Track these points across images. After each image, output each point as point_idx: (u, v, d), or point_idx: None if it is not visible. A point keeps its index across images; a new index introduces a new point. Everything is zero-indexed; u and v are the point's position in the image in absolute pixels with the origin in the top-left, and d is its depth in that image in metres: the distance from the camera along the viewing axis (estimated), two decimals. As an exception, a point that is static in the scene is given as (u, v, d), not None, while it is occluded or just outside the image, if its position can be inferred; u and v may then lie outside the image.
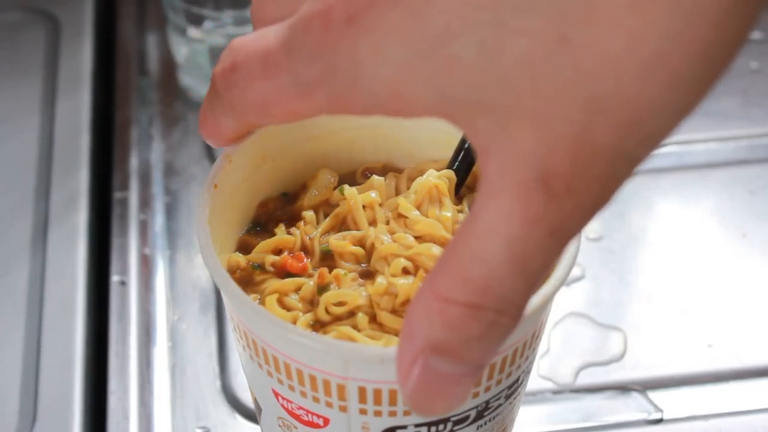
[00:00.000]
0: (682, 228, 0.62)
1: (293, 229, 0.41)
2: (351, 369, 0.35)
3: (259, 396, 0.41)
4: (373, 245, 0.40)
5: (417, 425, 0.37)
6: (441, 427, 0.37)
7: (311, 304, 0.39)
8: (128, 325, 0.56)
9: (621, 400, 0.53)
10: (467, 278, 0.27)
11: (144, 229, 0.62)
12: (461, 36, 0.26)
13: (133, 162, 0.66)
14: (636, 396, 0.54)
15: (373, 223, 0.41)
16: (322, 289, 0.38)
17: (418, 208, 0.40)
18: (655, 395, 0.54)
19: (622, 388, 0.54)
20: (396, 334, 0.37)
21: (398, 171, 0.43)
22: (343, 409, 0.37)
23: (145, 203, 0.63)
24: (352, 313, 0.38)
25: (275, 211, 0.43)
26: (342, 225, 0.41)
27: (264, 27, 0.31)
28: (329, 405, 0.37)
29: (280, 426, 0.41)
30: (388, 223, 0.41)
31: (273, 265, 0.40)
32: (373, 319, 0.38)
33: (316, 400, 0.37)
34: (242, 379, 0.54)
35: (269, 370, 0.38)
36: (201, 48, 0.69)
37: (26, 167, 0.64)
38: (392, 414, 0.37)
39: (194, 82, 0.71)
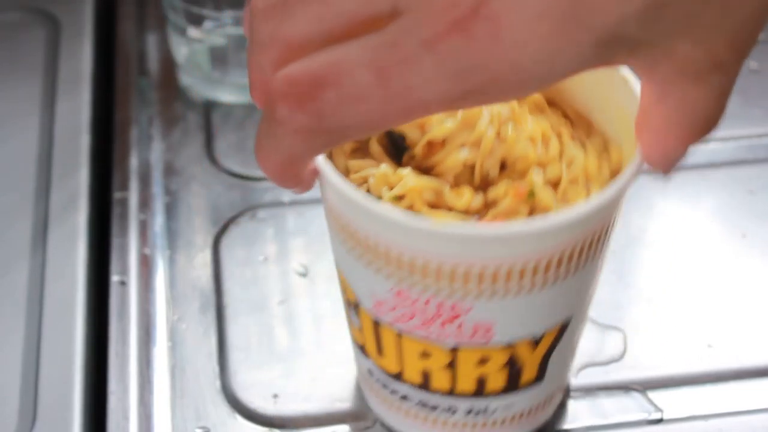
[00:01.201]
0: (682, 228, 0.62)
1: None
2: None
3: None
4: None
5: None
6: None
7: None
8: (128, 325, 0.56)
9: (621, 400, 0.53)
10: (696, 131, 0.38)
11: (144, 229, 0.62)
12: None
13: (133, 162, 0.66)
14: (636, 396, 0.54)
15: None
16: (532, 195, 0.42)
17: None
18: (655, 395, 0.54)
19: (622, 388, 0.54)
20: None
21: None
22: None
23: (145, 203, 0.63)
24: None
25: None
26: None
27: (302, 49, 0.31)
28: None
29: None
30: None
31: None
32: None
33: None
34: (242, 379, 0.54)
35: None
36: (201, 48, 0.69)
37: (26, 167, 0.64)
38: None
39: (194, 82, 0.71)
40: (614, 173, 0.44)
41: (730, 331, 0.57)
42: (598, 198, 0.39)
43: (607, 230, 0.42)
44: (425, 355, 0.44)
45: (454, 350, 0.44)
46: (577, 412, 0.53)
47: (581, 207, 0.38)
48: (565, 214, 0.38)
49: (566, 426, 0.52)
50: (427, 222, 0.37)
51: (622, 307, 0.58)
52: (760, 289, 0.59)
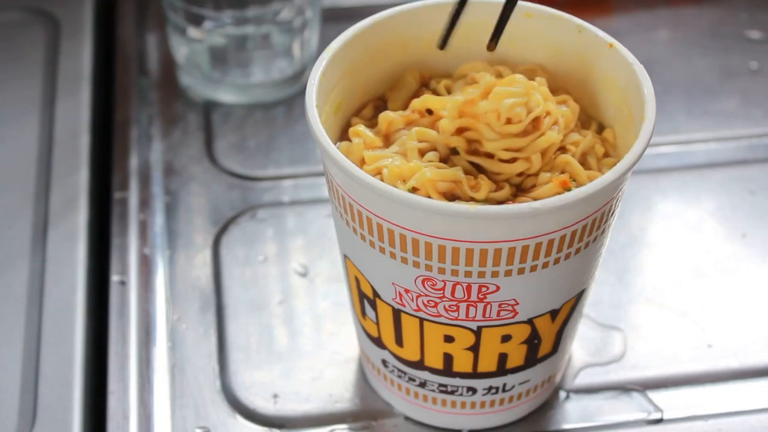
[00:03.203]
0: (681, 228, 0.62)
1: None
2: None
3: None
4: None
5: None
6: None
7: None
8: (128, 325, 0.56)
9: (621, 400, 0.53)
10: None
11: (144, 229, 0.62)
12: None
13: (133, 162, 0.66)
14: (636, 396, 0.54)
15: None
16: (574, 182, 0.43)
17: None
18: (655, 395, 0.54)
19: (622, 388, 0.54)
20: None
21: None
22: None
23: (145, 203, 0.63)
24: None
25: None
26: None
27: None
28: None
29: None
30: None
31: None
32: None
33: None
34: (242, 379, 0.54)
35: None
36: (201, 48, 0.69)
37: (26, 167, 0.64)
38: None
39: (194, 82, 0.71)
40: (607, 154, 0.46)
41: (730, 331, 0.57)
42: (623, 163, 0.40)
43: (620, 198, 0.43)
44: (449, 338, 0.45)
45: (478, 331, 0.44)
46: (578, 412, 0.53)
47: (611, 174, 0.40)
48: (601, 181, 0.40)
49: (566, 426, 0.52)
50: (468, 207, 0.39)
51: (622, 307, 0.58)
52: (760, 289, 0.59)
